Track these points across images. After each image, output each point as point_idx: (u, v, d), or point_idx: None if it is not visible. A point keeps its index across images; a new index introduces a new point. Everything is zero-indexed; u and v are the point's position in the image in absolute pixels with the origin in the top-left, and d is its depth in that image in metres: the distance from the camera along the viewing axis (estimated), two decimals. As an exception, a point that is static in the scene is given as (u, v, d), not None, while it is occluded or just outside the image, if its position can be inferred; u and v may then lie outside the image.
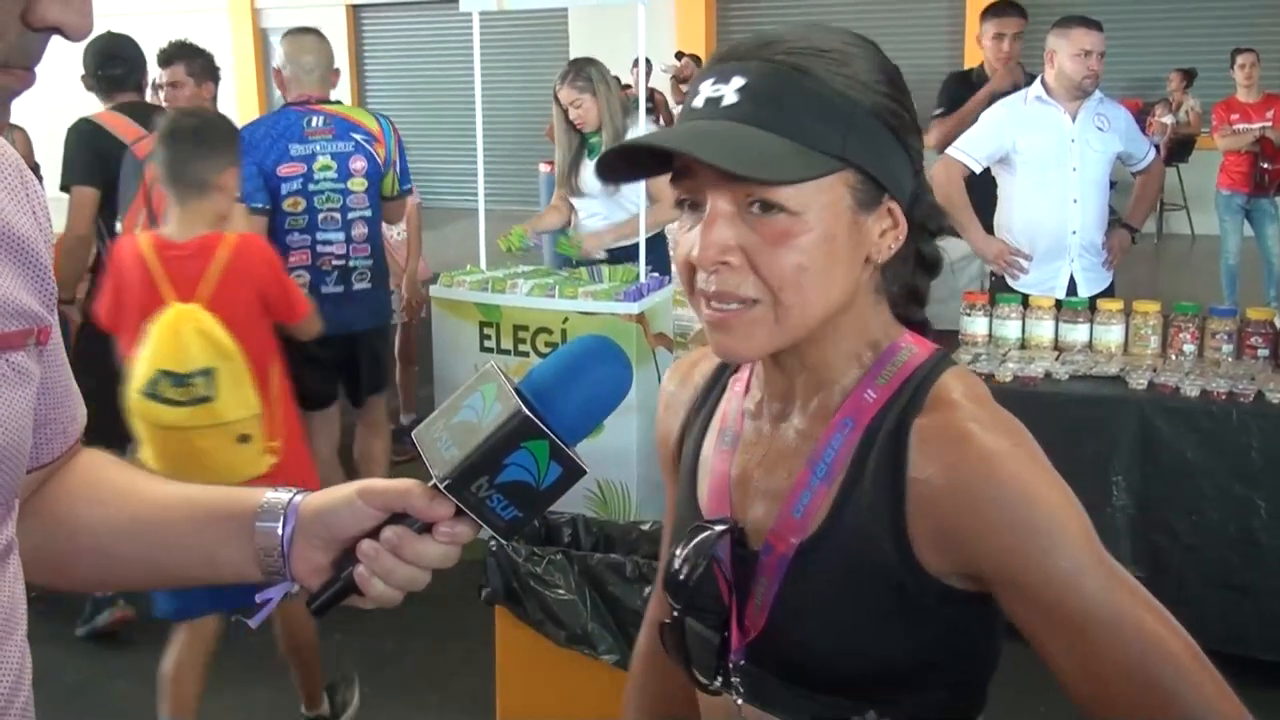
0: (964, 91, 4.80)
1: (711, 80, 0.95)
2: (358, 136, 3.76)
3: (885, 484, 0.97)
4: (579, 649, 2.53)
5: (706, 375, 1.18)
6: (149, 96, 4.26)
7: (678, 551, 1.04)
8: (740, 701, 1.07)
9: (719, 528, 1.04)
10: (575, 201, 4.55)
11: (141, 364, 2.44)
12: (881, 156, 0.96)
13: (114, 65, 3.85)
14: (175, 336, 2.43)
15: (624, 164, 0.99)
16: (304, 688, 3.05)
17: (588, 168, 4.43)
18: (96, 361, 2.51)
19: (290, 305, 2.76)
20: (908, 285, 1.05)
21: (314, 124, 3.71)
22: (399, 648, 3.52)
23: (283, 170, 3.65)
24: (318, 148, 3.68)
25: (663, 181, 1.04)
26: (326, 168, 3.69)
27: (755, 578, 1.03)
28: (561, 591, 2.55)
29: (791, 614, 1.01)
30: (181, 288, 2.52)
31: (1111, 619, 0.90)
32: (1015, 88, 4.39)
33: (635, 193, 4.20)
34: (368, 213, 3.80)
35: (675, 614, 1.05)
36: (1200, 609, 3.15)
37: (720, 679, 1.07)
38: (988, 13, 4.84)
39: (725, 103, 0.93)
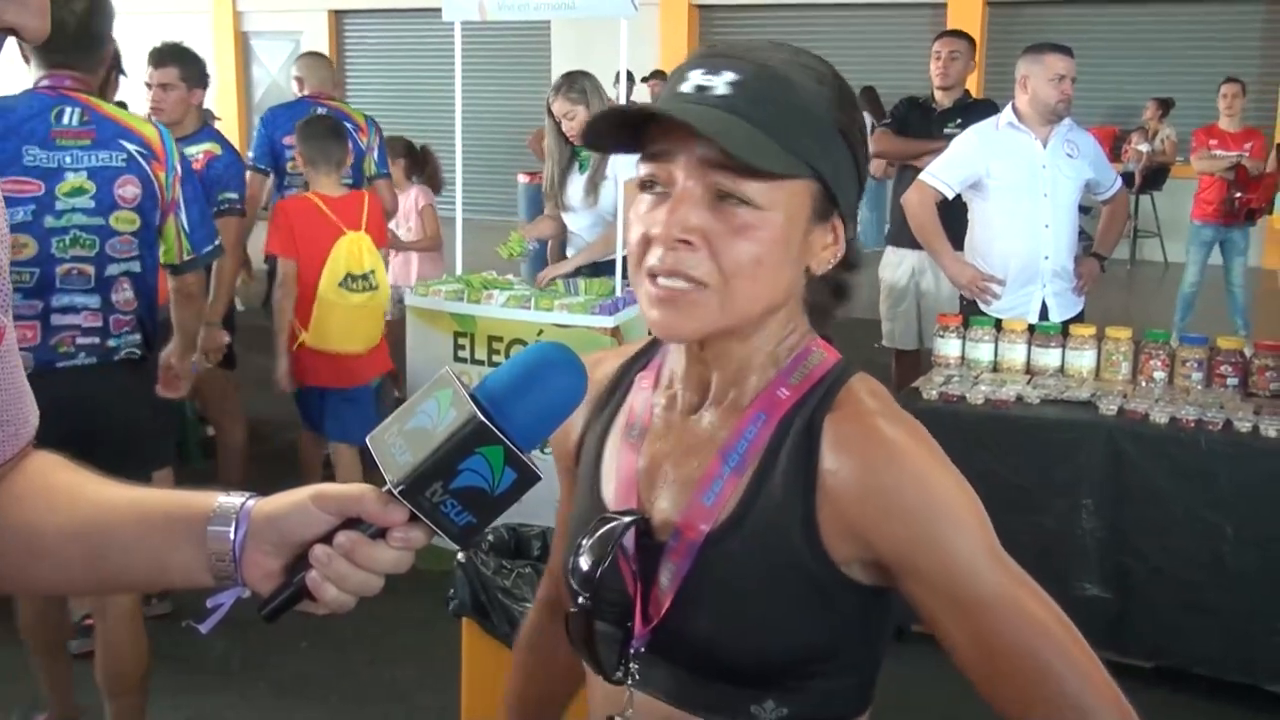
0: (913, 115, 5.04)
1: (702, 70, 0.99)
2: (348, 125, 4.74)
3: (797, 476, 1.01)
4: (545, 663, 2.51)
5: (610, 375, 1.20)
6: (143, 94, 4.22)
7: (582, 543, 1.06)
8: (632, 688, 1.09)
9: (626, 519, 1.06)
10: (563, 214, 4.55)
11: (332, 268, 3.90)
12: (841, 173, 1.03)
13: None
14: (353, 251, 3.94)
15: (610, 132, 1.01)
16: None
17: (575, 182, 4.43)
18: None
19: (382, 237, 4.30)
20: (821, 303, 1.10)
21: (318, 113, 4.78)
22: (365, 658, 3.49)
23: (288, 141, 4.89)
24: None
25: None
26: None
27: (661, 566, 1.06)
28: (529, 604, 2.53)
29: (696, 601, 1.04)
30: (349, 223, 3.98)
31: (1001, 603, 0.97)
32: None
33: (617, 207, 4.21)
34: (349, 180, 4.76)
35: (581, 604, 1.07)
36: (1168, 631, 3.17)
37: (622, 670, 1.09)
38: (937, 36, 5.16)
39: (716, 92, 0.97)
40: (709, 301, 0.98)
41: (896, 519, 0.97)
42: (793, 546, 1.00)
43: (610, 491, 1.13)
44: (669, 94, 1.00)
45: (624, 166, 4.27)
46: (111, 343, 2.71)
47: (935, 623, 0.99)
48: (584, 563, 1.05)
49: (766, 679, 1.04)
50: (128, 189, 2.69)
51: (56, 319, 2.63)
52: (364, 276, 3.94)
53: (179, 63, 4.16)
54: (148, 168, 2.72)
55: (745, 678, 1.04)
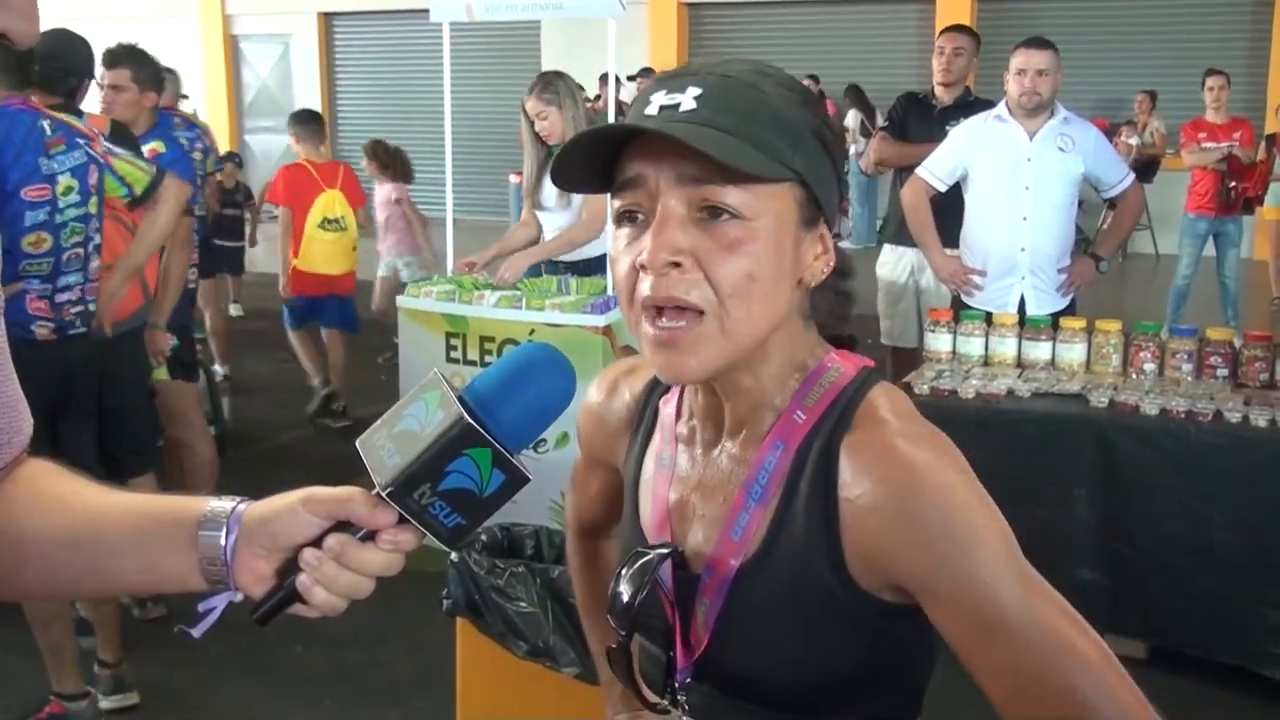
0: (911, 113, 4.96)
1: (664, 91, 0.96)
2: (195, 130, 5.81)
3: (818, 504, 0.98)
4: (540, 661, 2.52)
5: (637, 393, 1.18)
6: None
7: (621, 573, 1.06)
8: (685, 718, 1.09)
9: (661, 551, 1.06)
10: (539, 215, 4.54)
11: (314, 214, 5.69)
12: (821, 176, 0.99)
13: (49, 64, 3.47)
14: (330, 203, 5.72)
15: (580, 171, 0.98)
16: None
17: (550, 182, 4.40)
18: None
19: (359, 198, 5.95)
20: (827, 317, 1.08)
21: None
22: (359, 659, 3.49)
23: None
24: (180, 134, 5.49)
25: (596, 201, 1.05)
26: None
27: (697, 599, 1.05)
28: (523, 604, 2.53)
29: (733, 633, 1.03)
30: (328, 183, 5.76)
31: (1028, 627, 0.90)
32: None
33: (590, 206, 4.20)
34: (202, 173, 5.92)
35: (621, 638, 1.06)
36: (1160, 615, 3.20)
37: (668, 696, 1.08)
38: (942, 31, 5.08)
39: (683, 108, 0.94)
40: (710, 333, 0.94)
41: (914, 545, 0.93)
42: (820, 577, 0.98)
43: (647, 519, 1.13)
44: (632, 118, 0.96)
45: None
46: (90, 308, 3.20)
47: (958, 647, 0.95)
48: (624, 593, 1.04)
49: (810, 706, 1.03)
50: (93, 177, 3.18)
51: (59, 296, 3.11)
52: (335, 220, 5.75)
53: (131, 64, 4.18)
54: (95, 152, 3.20)
55: (789, 705, 1.03)
